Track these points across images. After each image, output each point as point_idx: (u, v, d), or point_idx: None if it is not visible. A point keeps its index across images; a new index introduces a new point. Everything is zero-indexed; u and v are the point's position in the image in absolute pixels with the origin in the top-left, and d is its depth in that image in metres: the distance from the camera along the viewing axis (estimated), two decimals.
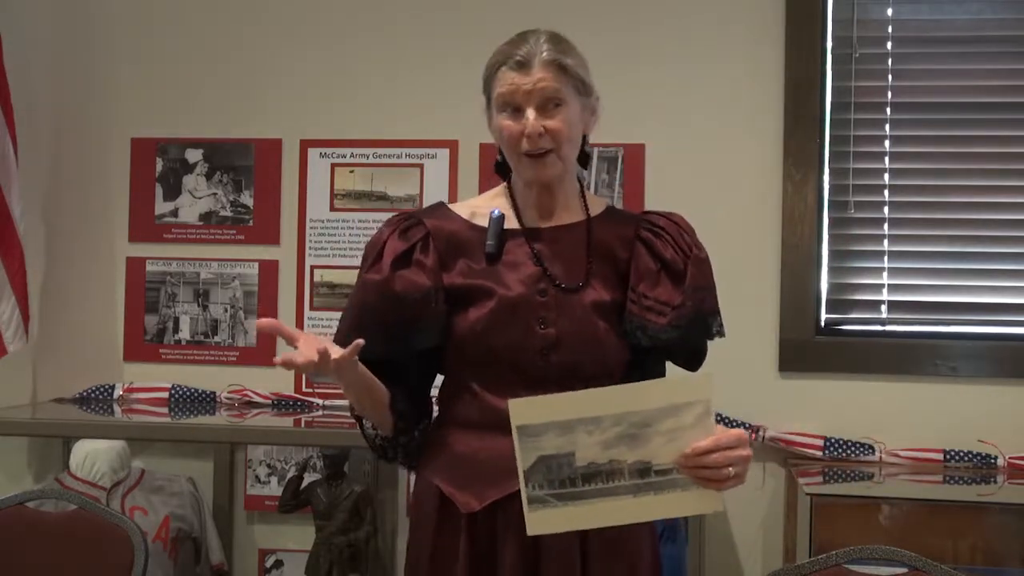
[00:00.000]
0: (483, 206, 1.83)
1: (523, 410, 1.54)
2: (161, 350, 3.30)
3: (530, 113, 1.70)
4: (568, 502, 1.53)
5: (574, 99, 1.73)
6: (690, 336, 1.77)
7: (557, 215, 1.81)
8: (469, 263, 1.77)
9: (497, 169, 1.86)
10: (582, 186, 1.86)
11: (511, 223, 1.79)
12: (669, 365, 1.86)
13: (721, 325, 1.80)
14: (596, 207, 1.85)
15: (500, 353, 1.72)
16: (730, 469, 1.56)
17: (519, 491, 1.62)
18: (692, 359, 1.83)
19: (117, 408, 3.17)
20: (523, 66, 1.70)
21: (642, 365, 1.78)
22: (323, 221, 3.24)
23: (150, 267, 3.31)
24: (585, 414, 1.52)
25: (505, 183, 1.85)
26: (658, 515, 1.50)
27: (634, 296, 1.76)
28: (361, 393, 1.74)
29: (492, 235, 1.76)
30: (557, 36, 1.76)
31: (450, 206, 1.85)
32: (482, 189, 3.00)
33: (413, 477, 3.14)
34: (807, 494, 2.63)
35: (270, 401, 3.19)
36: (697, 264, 1.78)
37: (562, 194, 1.81)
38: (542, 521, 1.54)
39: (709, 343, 1.83)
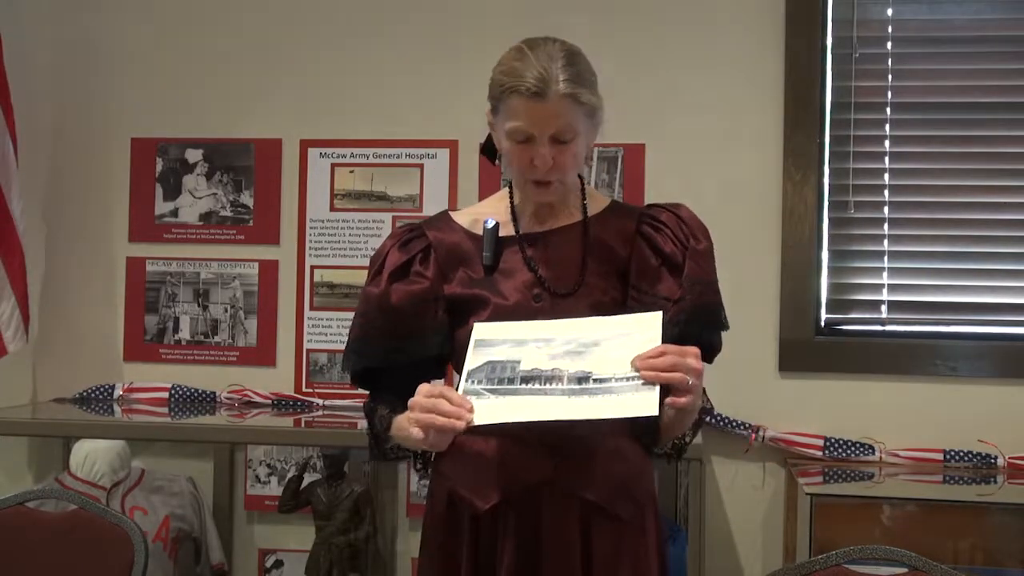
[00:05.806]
0: (484, 213, 1.82)
1: (485, 330, 1.67)
2: (161, 350, 3.30)
3: (543, 150, 1.65)
4: (501, 396, 1.58)
5: (584, 127, 1.68)
6: (691, 331, 1.70)
7: (555, 218, 1.79)
8: (468, 273, 1.77)
9: (485, 152, 1.88)
10: (583, 183, 1.84)
11: (507, 230, 1.79)
12: None
13: (724, 318, 1.77)
14: (597, 205, 1.83)
15: None
16: (686, 378, 1.53)
17: (523, 491, 1.65)
18: (704, 353, 1.75)
19: (117, 408, 3.17)
20: (538, 96, 1.62)
21: None
22: (323, 221, 3.24)
23: (150, 267, 3.31)
24: (541, 336, 1.63)
25: (507, 187, 1.84)
26: (590, 415, 1.52)
27: (634, 293, 1.74)
28: None
29: (487, 246, 1.76)
30: (571, 55, 1.67)
31: (453, 214, 1.84)
32: (482, 188, 3.03)
33: (415, 477, 3.18)
34: (807, 494, 2.63)
35: (270, 401, 3.19)
36: (695, 256, 1.74)
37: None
38: (476, 412, 1.57)
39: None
